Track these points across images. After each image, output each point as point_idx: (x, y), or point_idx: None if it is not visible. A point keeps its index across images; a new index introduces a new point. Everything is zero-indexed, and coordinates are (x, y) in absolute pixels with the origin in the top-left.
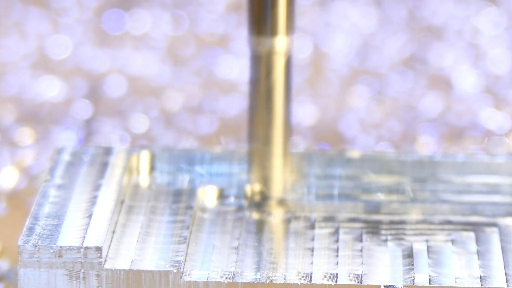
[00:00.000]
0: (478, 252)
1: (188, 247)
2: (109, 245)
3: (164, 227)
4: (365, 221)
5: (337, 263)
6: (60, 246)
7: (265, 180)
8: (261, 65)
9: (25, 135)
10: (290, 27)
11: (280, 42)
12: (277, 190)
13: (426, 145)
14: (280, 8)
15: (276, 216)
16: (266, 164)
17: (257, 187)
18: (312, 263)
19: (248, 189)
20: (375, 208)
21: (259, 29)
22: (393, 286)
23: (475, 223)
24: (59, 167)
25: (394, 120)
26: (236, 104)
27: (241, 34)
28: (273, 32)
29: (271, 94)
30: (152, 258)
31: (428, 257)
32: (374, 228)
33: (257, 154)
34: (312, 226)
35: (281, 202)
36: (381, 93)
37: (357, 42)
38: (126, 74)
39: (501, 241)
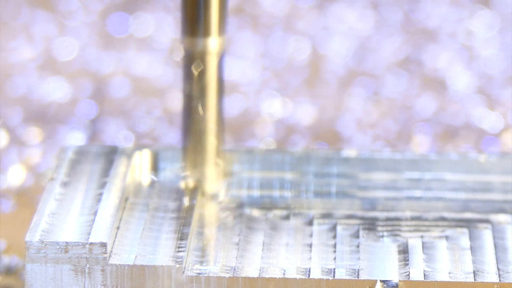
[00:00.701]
0: (471, 248)
1: (190, 242)
2: (114, 241)
3: (166, 223)
4: (362, 218)
5: (335, 258)
6: (66, 242)
7: (200, 177)
8: (194, 66)
9: (33, 134)
10: (222, 28)
11: (213, 43)
12: (210, 186)
13: (421, 144)
14: (212, 10)
15: (211, 210)
16: (199, 161)
17: (191, 183)
18: (310, 258)
19: (182, 185)
20: (372, 205)
21: (192, 31)
22: (389, 281)
23: (468, 220)
24: (65, 165)
25: (390, 120)
26: (238, 104)
27: (241, 36)
28: (205, 33)
29: (204, 93)
30: (155, 253)
31: (423, 252)
32: (370, 225)
33: (191, 152)
34: (310, 223)
35: (214, 197)
36: (377, 94)
37: (354, 44)
38: (130, 75)
39: (494, 237)
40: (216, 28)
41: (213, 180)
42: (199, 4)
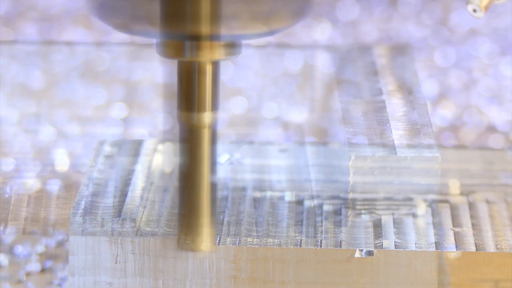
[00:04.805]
0: (433, 223)
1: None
2: (141, 218)
3: None
4: (344, 198)
5: (322, 231)
6: (102, 218)
7: (194, 237)
8: (188, 137)
9: (75, 130)
10: (215, 103)
11: (207, 118)
12: (206, 245)
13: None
14: (206, 87)
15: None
16: (194, 226)
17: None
18: (301, 232)
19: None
20: (352, 188)
21: (187, 106)
22: (366, 249)
23: (431, 200)
24: (101, 156)
25: (367, 119)
26: (242, 105)
27: (245, 49)
28: (199, 109)
29: (198, 162)
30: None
31: (394, 227)
32: (351, 204)
33: (186, 217)
34: (301, 203)
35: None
36: (356, 97)
37: (338, 56)
38: (155, 82)
39: (451, 215)
40: (209, 104)
41: (208, 240)
42: (193, 82)
